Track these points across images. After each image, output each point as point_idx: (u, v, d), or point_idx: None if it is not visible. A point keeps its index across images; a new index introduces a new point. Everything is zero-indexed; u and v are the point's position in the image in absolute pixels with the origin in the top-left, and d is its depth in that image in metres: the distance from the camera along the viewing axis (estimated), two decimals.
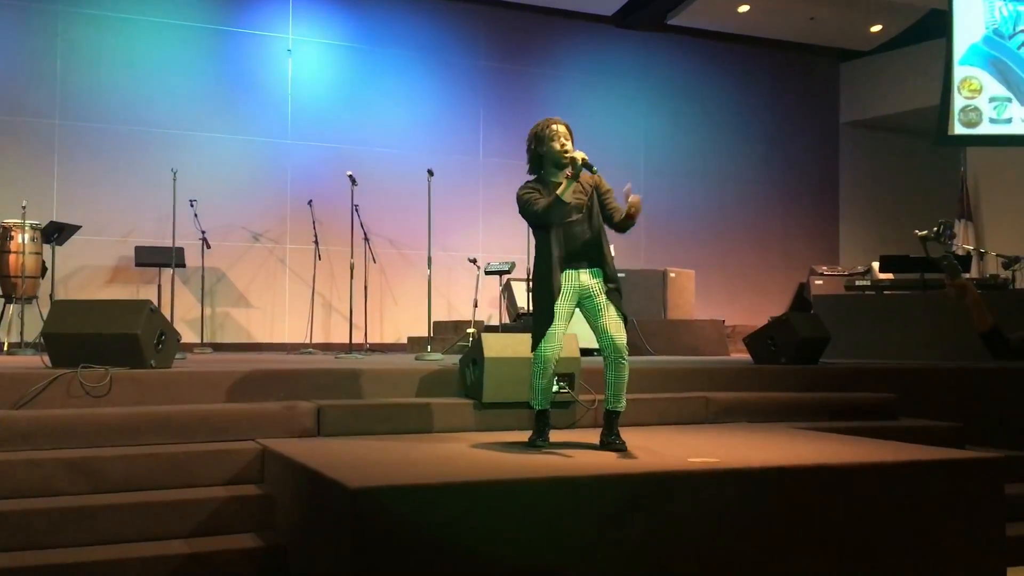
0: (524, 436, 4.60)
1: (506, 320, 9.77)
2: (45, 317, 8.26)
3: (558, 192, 4.16)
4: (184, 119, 10.19)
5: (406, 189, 10.72)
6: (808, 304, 10.62)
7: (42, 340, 4.92)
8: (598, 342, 4.34)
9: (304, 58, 10.89)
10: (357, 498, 3.06)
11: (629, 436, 4.40)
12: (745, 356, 9.32)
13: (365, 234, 9.48)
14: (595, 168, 4.23)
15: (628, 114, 12.54)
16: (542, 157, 4.33)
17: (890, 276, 8.92)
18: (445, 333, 10.04)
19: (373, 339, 10.36)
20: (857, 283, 8.91)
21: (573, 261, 4.29)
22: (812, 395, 6.01)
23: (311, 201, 10.05)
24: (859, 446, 4.47)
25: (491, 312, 11.15)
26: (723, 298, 12.52)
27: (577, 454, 4.12)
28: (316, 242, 9.91)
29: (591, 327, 4.37)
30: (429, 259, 7.51)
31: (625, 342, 4.27)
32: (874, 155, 13.87)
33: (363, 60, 11.18)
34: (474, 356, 5.18)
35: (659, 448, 4.32)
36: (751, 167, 13.25)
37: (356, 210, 9.27)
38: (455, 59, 11.61)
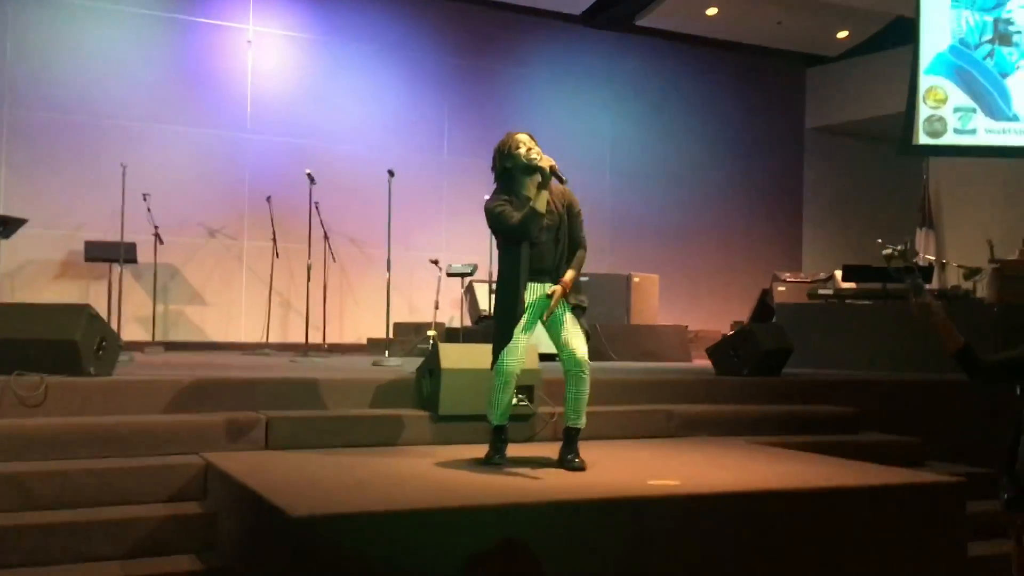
0: (481, 450, 4.46)
1: (468, 323, 9.62)
2: None
3: (531, 204, 4.04)
4: (139, 110, 9.89)
5: (368, 186, 10.49)
6: (771, 311, 10.58)
7: None
8: (559, 355, 4.22)
9: (265, 50, 10.63)
10: (298, 527, 2.90)
11: (589, 450, 4.28)
12: (707, 363, 9.26)
13: (325, 232, 9.27)
14: (565, 178, 4.13)
15: (595, 114, 12.43)
16: (510, 171, 4.18)
17: (852, 285, 8.90)
18: (406, 334, 9.85)
19: (332, 339, 10.15)
20: (820, 292, 8.87)
21: (538, 275, 4.18)
22: (773, 408, 5.93)
23: (270, 197, 9.80)
24: (820, 466, 4.38)
25: (453, 314, 10.99)
26: (686, 302, 12.46)
27: (534, 474, 3.98)
28: (274, 239, 9.68)
29: (552, 340, 4.26)
30: (388, 263, 7.32)
31: (586, 355, 4.15)
32: (838, 161, 13.90)
33: (326, 53, 10.94)
34: (431, 366, 5.02)
35: (618, 467, 4.20)
36: (716, 170, 13.20)
37: (316, 207, 9.05)
38: (420, 55, 11.42)
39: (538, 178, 4.09)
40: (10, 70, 9.40)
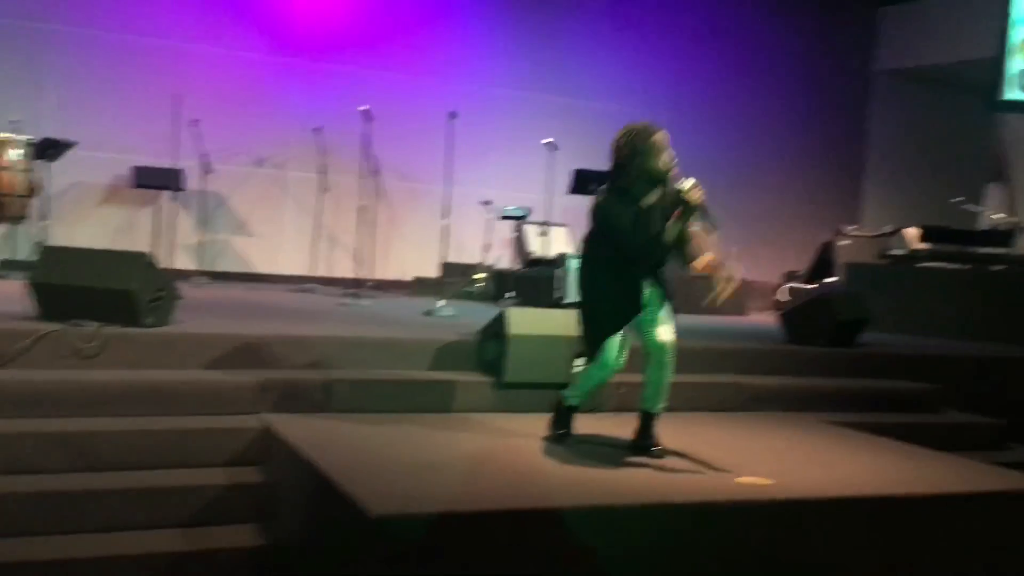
0: (545, 418, 4.26)
1: (516, 265, 9.36)
2: (35, 242, 7.87)
3: (665, 235, 3.69)
4: (190, 31, 9.54)
5: (419, 119, 10.16)
6: (831, 266, 10.22)
7: (31, 288, 4.50)
8: (643, 337, 3.92)
9: None
10: (379, 528, 2.71)
11: (659, 423, 4.00)
12: (763, 318, 8.97)
13: (374, 166, 8.97)
14: (716, 223, 3.78)
15: (655, 49, 11.87)
16: (635, 168, 3.78)
17: (926, 246, 8.48)
18: (453, 275, 9.62)
19: (377, 275, 9.94)
20: (892, 252, 8.47)
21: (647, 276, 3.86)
22: (849, 382, 5.66)
23: (319, 127, 9.49)
24: (913, 460, 4.12)
25: (500, 254, 10.72)
26: (738, 251, 12.07)
27: (613, 464, 3.76)
28: (322, 172, 9.40)
29: (638, 328, 3.93)
30: (445, 209, 7.01)
31: (674, 341, 3.88)
32: (908, 107, 13.25)
33: None
34: (496, 330, 4.79)
35: (698, 454, 3.96)
36: (777, 112, 12.64)
37: (367, 140, 8.72)
38: None
39: (661, 190, 3.76)
40: None
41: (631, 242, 3.73)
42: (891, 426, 5.09)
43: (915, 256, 8.34)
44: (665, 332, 3.87)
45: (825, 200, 12.97)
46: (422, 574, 2.74)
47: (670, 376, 3.91)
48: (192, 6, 9.57)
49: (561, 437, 4.06)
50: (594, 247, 3.91)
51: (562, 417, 4.12)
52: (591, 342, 3.89)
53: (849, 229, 10.33)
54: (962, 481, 3.77)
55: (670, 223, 3.70)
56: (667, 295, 3.92)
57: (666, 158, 3.78)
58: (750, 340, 6.21)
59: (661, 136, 3.80)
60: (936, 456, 4.26)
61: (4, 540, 3.34)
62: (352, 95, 9.60)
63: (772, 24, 12.52)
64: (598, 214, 3.83)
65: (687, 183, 3.72)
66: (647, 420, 3.97)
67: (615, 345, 3.89)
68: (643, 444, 3.94)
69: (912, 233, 8.69)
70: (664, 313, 3.90)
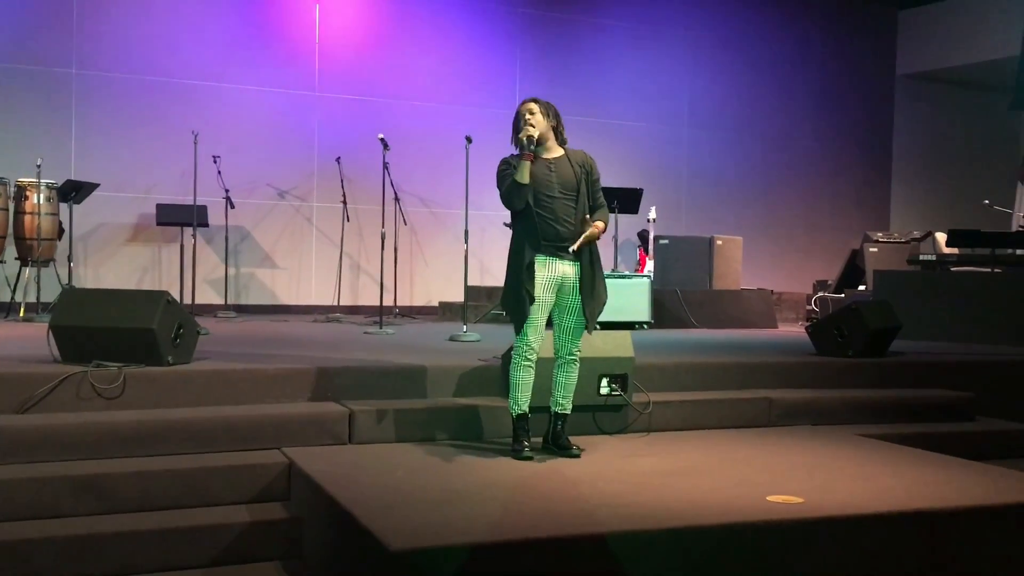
0: (575, 442, 4.22)
1: None
2: (61, 284, 7.94)
3: (515, 176, 4.02)
4: (207, 70, 9.67)
5: (438, 144, 10.21)
6: (860, 273, 10.08)
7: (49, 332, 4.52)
8: (555, 337, 4.18)
9: (333, 3, 10.29)
10: (398, 560, 2.66)
11: (689, 444, 4.06)
12: (795, 330, 8.86)
13: (396, 193, 9.00)
14: (535, 148, 4.08)
15: (673, 64, 11.85)
16: (516, 135, 4.19)
17: (954, 250, 8.33)
18: (478, 299, 9.61)
19: (403, 302, 9.95)
20: (921, 257, 8.33)
21: (555, 246, 4.04)
22: (881, 393, 5.55)
23: (339, 158, 9.56)
24: (951, 472, 4.00)
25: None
26: (767, 262, 11.97)
27: (639, 486, 3.69)
28: (344, 202, 9.45)
29: (554, 319, 4.17)
30: (466, 234, 7.00)
31: (579, 346, 4.17)
32: (933, 111, 13.10)
33: (395, 5, 10.55)
34: None
35: (729, 475, 3.87)
36: (800, 121, 12.56)
37: (387, 168, 8.76)
38: (492, 4, 10.96)
39: (542, 149, 4.09)
40: (77, 29, 9.23)
41: (501, 190, 4.07)
42: (925, 436, 4.98)
43: (945, 261, 8.18)
44: (576, 345, 4.13)
45: (852, 207, 12.84)
46: None
47: (576, 377, 4.21)
48: (208, 45, 9.68)
49: (519, 453, 4.06)
50: (512, 223, 4.18)
51: (516, 432, 4.14)
52: (514, 319, 4.09)
53: (878, 235, 10.19)
54: (1000, 492, 3.65)
55: (519, 167, 4.02)
56: (593, 300, 4.08)
57: (524, 120, 4.09)
58: (780, 353, 6.12)
59: (531, 103, 4.15)
60: (972, 466, 4.14)
61: None
62: (371, 124, 9.68)
63: (791, 33, 12.46)
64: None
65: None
66: (559, 421, 4.19)
67: (529, 325, 4.03)
68: (563, 445, 4.15)
69: (943, 237, 8.54)
70: (580, 322, 4.08)
